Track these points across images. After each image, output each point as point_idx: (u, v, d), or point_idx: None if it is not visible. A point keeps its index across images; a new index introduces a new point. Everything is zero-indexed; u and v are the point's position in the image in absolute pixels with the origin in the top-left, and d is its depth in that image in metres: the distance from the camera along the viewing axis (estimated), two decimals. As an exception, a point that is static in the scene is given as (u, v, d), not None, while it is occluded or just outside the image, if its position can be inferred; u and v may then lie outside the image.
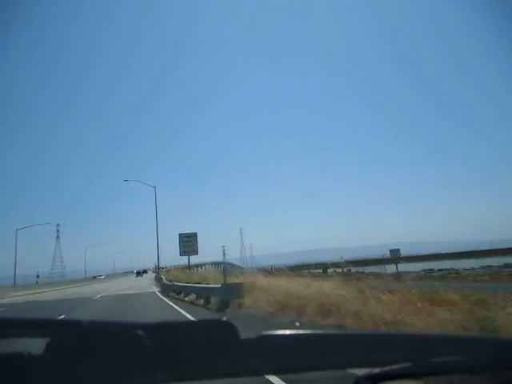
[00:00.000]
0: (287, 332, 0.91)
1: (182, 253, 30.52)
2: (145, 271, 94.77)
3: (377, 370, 0.93)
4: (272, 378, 0.85)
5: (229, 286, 11.56)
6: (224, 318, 0.91)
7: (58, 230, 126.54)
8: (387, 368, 0.92)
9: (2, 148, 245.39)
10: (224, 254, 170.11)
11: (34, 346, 0.81)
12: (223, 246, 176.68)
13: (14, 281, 44.36)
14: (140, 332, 0.82)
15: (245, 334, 0.89)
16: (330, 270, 36.74)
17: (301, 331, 0.92)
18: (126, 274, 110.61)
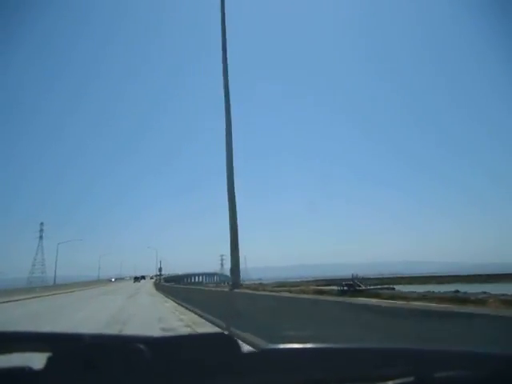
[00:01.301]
0: (289, 346, 0.91)
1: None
2: (143, 277, 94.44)
3: None
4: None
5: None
6: (226, 332, 0.90)
7: (41, 230, 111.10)
8: (390, 382, 0.91)
9: (2, 149, 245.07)
10: (222, 264, 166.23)
11: (35, 360, 0.80)
12: (221, 255, 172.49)
13: None
14: (141, 346, 0.81)
15: (247, 348, 0.87)
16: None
17: (303, 345, 0.91)
18: (103, 282, 73.88)
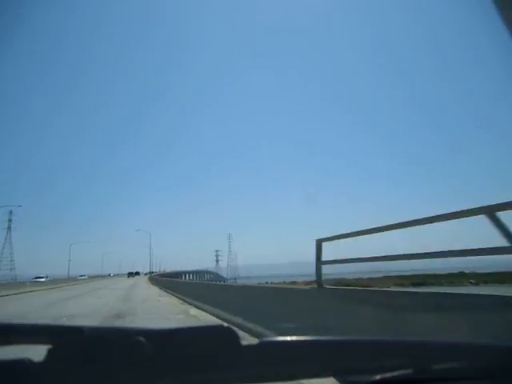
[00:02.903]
0: (288, 338, 0.91)
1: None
2: (137, 273, 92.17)
3: (378, 377, 0.93)
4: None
5: None
6: (225, 324, 0.91)
7: (9, 220, 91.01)
8: (388, 374, 0.92)
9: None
10: (217, 260, 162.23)
11: (35, 352, 0.80)
12: (217, 251, 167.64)
13: None
14: (141, 338, 0.81)
15: (246, 340, 0.88)
16: None
17: (302, 337, 0.92)
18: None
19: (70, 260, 72.32)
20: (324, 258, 5.83)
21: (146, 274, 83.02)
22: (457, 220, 3.54)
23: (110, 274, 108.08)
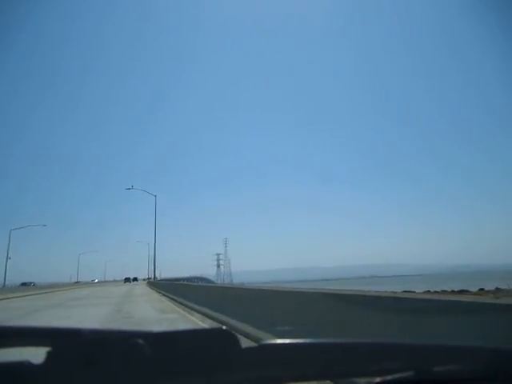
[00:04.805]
0: (288, 341, 0.91)
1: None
2: (135, 279, 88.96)
3: (378, 379, 0.93)
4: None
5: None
6: (224, 327, 0.90)
7: None
8: (389, 377, 0.92)
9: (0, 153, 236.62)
10: (218, 265, 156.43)
11: (35, 355, 0.79)
12: (218, 254, 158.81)
13: None
14: (140, 341, 0.80)
15: (245, 342, 0.87)
16: None
17: (302, 340, 0.92)
18: None
19: (8, 258, 47.23)
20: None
21: (144, 280, 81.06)
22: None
23: (31, 283, 63.58)
